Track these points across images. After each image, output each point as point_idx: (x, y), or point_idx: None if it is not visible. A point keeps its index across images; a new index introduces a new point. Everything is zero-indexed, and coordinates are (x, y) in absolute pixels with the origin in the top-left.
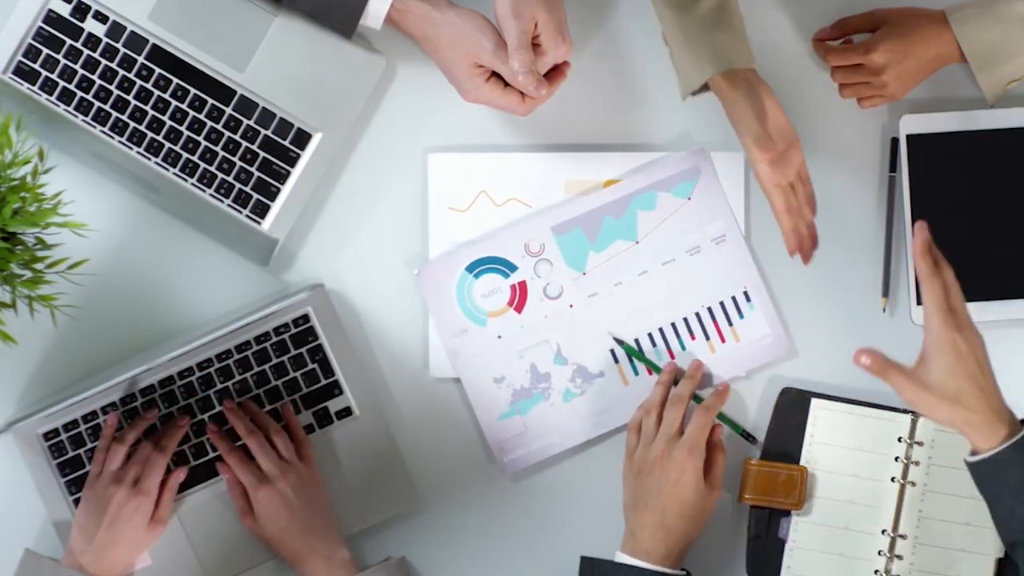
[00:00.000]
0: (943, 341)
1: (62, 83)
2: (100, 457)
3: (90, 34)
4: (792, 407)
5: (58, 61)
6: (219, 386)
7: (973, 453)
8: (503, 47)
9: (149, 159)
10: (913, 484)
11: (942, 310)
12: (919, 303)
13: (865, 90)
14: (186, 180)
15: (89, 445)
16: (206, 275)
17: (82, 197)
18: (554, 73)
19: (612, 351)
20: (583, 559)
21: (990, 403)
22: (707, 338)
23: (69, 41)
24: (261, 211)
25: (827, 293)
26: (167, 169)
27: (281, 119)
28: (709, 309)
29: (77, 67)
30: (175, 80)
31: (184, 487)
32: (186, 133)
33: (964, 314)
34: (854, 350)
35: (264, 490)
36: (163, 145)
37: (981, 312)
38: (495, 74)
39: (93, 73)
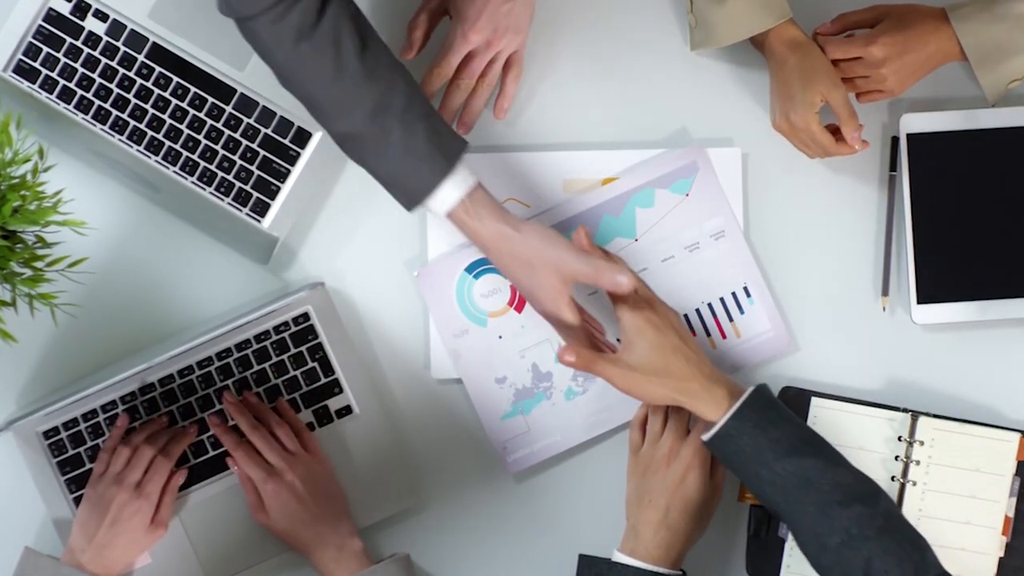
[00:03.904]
0: (639, 321)
1: (62, 81)
2: (105, 457)
3: (90, 32)
4: (792, 406)
5: (58, 59)
6: (219, 384)
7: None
8: (580, 253)
9: (149, 157)
10: (913, 483)
11: (628, 296)
12: (920, 302)
13: (864, 84)
14: (186, 178)
15: (89, 443)
16: (206, 273)
17: (82, 195)
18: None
19: None
20: (581, 557)
21: (701, 370)
22: (708, 334)
23: (69, 39)
24: (261, 209)
25: (827, 292)
26: (167, 167)
27: (281, 117)
28: (709, 305)
29: (77, 65)
30: (175, 78)
31: (184, 485)
32: (186, 131)
33: (651, 294)
34: (854, 349)
35: (272, 483)
36: (163, 143)
37: (981, 312)
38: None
39: (93, 71)
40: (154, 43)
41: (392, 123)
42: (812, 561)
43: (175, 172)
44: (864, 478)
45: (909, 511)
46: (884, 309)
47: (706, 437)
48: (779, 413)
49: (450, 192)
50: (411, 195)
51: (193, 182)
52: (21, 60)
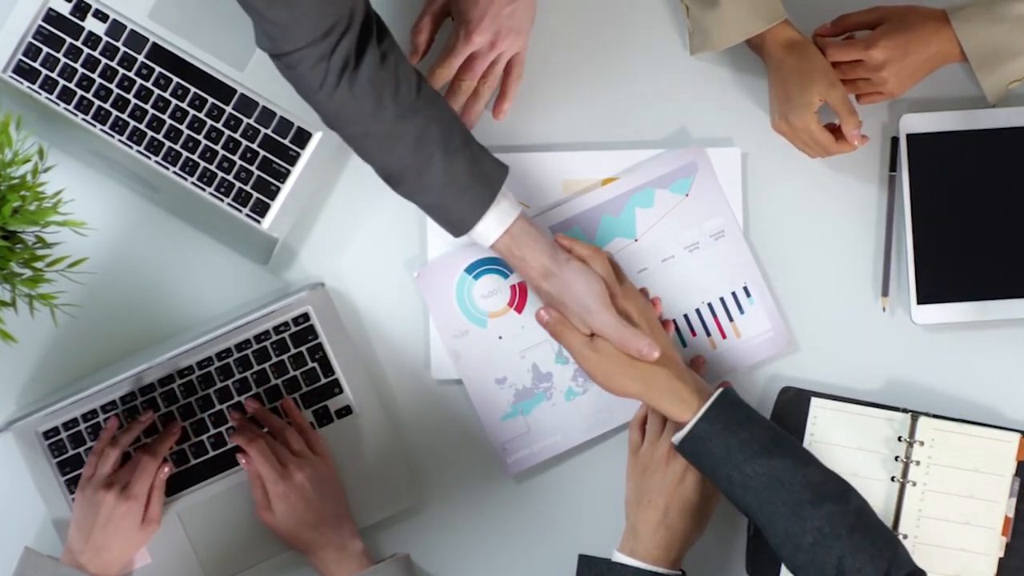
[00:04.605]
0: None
1: (62, 82)
2: (93, 460)
3: (90, 33)
4: (792, 406)
5: (58, 60)
6: (219, 384)
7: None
8: (611, 312)
9: (149, 158)
10: (913, 483)
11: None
12: (919, 302)
13: (864, 86)
14: (186, 179)
15: (89, 443)
16: (206, 274)
17: (82, 196)
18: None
19: None
20: (581, 557)
21: (669, 365)
22: (708, 334)
23: (69, 40)
24: (261, 210)
25: (827, 293)
26: (167, 168)
27: (281, 118)
28: (709, 305)
29: (77, 66)
30: (175, 79)
31: (184, 485)
32: (186, 132)
33: (628, 283)
34: (854, 349)
35: (284, 484)
36: (163, 144)
37: (981, 312)
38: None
39: (93, 72)
40: (154, 43)
41: (434, 154)
42: (787, 562)
43: (175, 172)
44: (834, 476)
45: (909, 511)
46: (884, 309)
47: (677, 440)
48: (746, 414)
49: (493, 226)
50: (456, 226)
51: (193, 182)
52: (21, 60)
